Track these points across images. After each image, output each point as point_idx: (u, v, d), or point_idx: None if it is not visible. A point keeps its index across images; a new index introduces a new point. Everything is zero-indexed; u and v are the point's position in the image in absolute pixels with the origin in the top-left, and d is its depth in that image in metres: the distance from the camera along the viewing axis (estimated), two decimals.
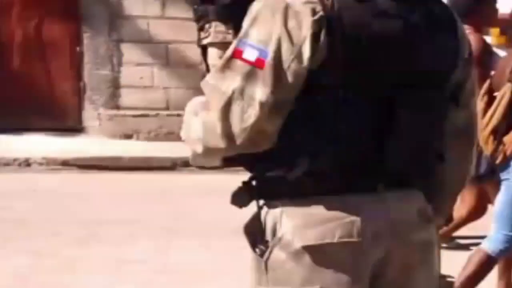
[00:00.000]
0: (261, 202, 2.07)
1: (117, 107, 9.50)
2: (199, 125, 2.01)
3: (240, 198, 2.09)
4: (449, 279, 2.31)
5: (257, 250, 2.05)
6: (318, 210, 2.00)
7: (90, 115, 9.51)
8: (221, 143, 1.98)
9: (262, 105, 1.94)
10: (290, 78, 1.95)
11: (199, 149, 2.03)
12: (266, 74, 1.95)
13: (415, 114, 2.06)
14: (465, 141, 2.24)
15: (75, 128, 9.43)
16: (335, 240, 1.99)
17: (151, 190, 7.23)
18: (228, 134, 1.97)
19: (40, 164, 8.31)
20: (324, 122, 1.99)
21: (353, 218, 2.00)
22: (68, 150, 8.53)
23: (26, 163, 8.31)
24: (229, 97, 1.96)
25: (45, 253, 5.37)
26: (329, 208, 2.00)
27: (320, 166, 1.99)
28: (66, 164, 8.27)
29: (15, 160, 8.30)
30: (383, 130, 2.02)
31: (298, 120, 1.99)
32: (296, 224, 2.01)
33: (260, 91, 1.95)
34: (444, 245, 5.68)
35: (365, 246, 2.01)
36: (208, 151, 2.03)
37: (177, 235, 5.76)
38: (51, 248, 5.48)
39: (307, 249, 2.00)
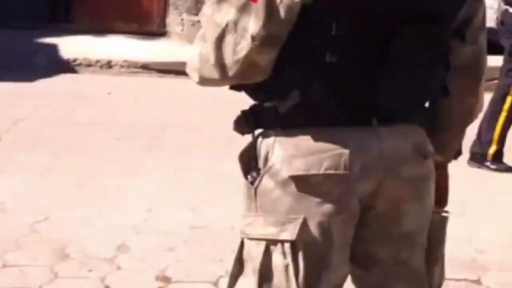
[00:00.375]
0: (258, 131, 2.13)
1: None
2: (196, 55, 2.07)
3: (240, 126, 2.15)
4: (443, 214, 2.31)
5: (249, 177, 2.11)
6: (307, 141, 2.03)
7: (174, 20, 9.61)
8: (214, 74, 2.03)
9: (253, 38, 1.96)
10: (282, 12, 1.96)
11: (195, 78, 2.08)
12: (259, 7, 1.95)
13: (414, 49, 2.03)
14: (471, 76, 2.21)
15: (157, 32, 9.57)
16: (321, 171, 2.02)
17: (224, 97, 7.28)
18: (221, 65, 2.00)
19: (121, 66, 8.49)
20: (315, 56, 2.00)
21: (342, 150, 2.01)
22: (149, 54, 8.67)
23: (108, 65, 8.51)
24: (223, 29, 1.99)
25: (107, 157, 5.55)
26: (318, 139, 2.03)
27: (311, 99, 2.01)
28: (146, 67, 8.43)
29: (97, 61, 8.50)
30: (380, 64, 2.01)
31: (291, 54, 2.01)
32: (286, 154, 2.04)
33: (253, 24, 1.96)
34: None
35: (352, 179, 2.03)
36: (203, 80, 2.08)
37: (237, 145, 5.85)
38: (113, 152, 5.66)
39: (294, 178, 2.03)
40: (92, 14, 9.51)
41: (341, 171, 2.03)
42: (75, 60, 8.51)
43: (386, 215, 2.11)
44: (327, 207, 2.04)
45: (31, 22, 9.51)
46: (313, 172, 2.03)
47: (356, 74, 2.02)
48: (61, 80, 8.02)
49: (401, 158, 2.09)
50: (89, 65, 8.48)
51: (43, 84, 7.76)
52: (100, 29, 9.30)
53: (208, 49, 2.00)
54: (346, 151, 2.02)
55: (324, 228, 2.04)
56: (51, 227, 4.32)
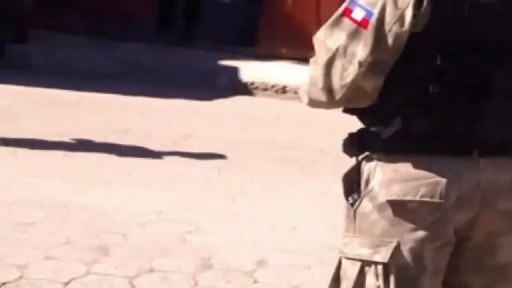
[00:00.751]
0: (363, 154, 2.20)
1: None
2: (307, 77, 2.17)
3: (347, 148, 2.23)
4: None
5: (350, 198, 2.19)
6: (406, 168, 2.08)
7: None
8: (322, 97, 2.12)
9: (360, 64, 2.04)
10: (390, 40, 2.03)
11: (305, 99, 2.19)
12: (368, 34, 2.04)
13: None
14: None
15: None
16: (417, 198, 2.07)
17: None
18: (328, 88, 2.09)
19: (295, 92, 8.68)
20: (419, 85, 2.06)
21: (439, 179, 2.06)
22: None
23: (282, 90, 8.74)
24: (333, 53, 2.08)
25: (263, 176, 5.73)
26: (417, 166, 2.08)
27: (413, 127, 2.07)
28: None
29: (273, 86, 8.76)
30: (482, 97, 2.05)
31: (396, 82, 2.08)
32: (385, 178, 2.10)
33: (361, 51, 2.04)
34: None
35: (447, 208, 2.07)
36: (312, 102, 2.18)
37: None
38: (270, 172, 5.83)
39: (390, 203, 2.09)
40: (273, 40, 9.78)
41: (436, 200, 2.07)
42: (252, 84, 8.80)
43: (481, 246, 2.13)
44: (421, 233, 2.08)
45: (218, 44, 9.94)
46: (409, 198, 2.08)
47: (458, 105, 2.06)
48: (237, 102, 8.32)
49: (499, 192, 2.10)
50: (265, 89, 8.75)
51: (219, 104, 8.08)
52: (279, 55, 9.56)
53: (318, 73, 2.10)
54: (443, 180, 2.06)
55: (417, 253, 2.08)
56: (200, 238, 4.53)
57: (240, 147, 6.43)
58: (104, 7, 10.24)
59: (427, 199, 2.07)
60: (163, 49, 9.72)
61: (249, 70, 9.09)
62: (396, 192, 2.09)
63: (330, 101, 2.12)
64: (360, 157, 2.19)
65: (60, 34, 9.98)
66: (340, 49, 2.07)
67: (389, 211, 2.10)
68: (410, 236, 2.09)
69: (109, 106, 7.61)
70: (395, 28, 2.02)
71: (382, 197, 2.10)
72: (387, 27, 2.03)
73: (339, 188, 5.45)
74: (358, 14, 2.06)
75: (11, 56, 9.09)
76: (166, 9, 10.59)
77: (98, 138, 6.32)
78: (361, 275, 2.13)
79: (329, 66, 2.08)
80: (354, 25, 2.06)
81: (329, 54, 2.08)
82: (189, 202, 5.10)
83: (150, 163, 5.82)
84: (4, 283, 3.71)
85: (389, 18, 2.02)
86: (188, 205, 5.05)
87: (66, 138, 6.21)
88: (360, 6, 2.06)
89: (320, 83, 2.10)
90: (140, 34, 10.07)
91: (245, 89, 8.68)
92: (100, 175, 5.46)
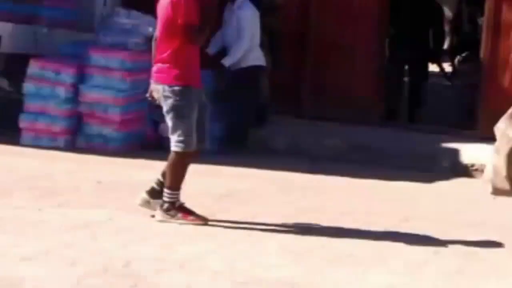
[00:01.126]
0: None
1: None
2: (490, 166, 2.71)
3: None
4: None
5: None
6: None
7: None
8: (506, 185, 2.63)
9: None
10: None
11: (490, 188, 2.73)
12: None
13: None
14: None
15: None
16: None
17: None
18: None
19: None
20: None
21: None
22: None
23: None
24: None
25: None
26: None
27: None
28: None
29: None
30: None
31: None
32: None
33: None
34: None
35: None
36: (497, 191, 2.71)
37: None
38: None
39: None
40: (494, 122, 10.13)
41: None
42: (473, 166, 9.20)
43: None
44: None
45: (440, 127, 10.59)
46: None
47: None
48: (457, 184, 8.69)
49: None
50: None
51: (440, 186, 8.53)
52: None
53: (501, 163, 2.62)
54: None
55: None
56: None
57: (457, 229, 6.87)
58: (337, 93, 11.12)
59: None
60: (388, 133, 10.47)
61: (470, 152, 9.49)
62: None
63: None
64: None
65: (297, 119, 11.06)
66: None
67: None
68: None
69: (338, 188, 8.37)
70: None
71: None
72: None
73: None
74: None
75: (252, 141, 10.17)
76: (391, 96, 11.41)
77: (328, 220, 7.06)
78: None
79: (511, 156, 2.55)
80: None
81: (510, 145, 2.54)
82: (408, 285, 5.61)
83: (372, 245, 6.45)
84: None
85: None
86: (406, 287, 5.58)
87: (297, 221, 6.99)
88: None
89: (504, 172, 2.59)
90: (367, 118, 10.88)
91: (466, 172, 9.08)
92: (326, 256, 6.14)
